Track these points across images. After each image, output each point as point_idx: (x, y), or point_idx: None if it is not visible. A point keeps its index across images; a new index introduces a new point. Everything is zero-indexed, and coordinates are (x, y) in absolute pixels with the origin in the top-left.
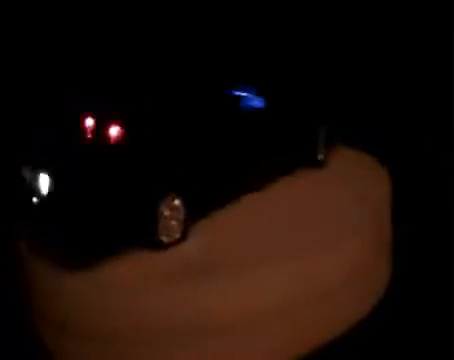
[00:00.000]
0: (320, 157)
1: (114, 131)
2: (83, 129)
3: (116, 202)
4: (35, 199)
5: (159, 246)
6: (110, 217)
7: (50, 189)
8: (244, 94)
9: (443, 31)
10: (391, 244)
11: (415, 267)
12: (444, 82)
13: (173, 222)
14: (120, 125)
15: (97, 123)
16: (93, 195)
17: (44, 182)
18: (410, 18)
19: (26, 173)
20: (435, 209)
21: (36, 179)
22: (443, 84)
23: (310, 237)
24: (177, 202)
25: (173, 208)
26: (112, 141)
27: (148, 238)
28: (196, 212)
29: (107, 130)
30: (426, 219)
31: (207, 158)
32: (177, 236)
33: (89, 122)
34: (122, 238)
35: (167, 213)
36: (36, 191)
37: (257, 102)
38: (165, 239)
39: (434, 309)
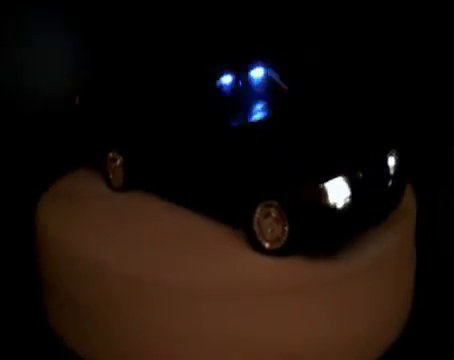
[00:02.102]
0: (266, 245)
1: None
2: None
3: None
4: None
5: None
6: None
7: None
8: None
9: (443, 31)
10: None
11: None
12: (444, 82)
13: None
14: None
15: None
16: None
17: None
18: (410, 18)
19: None
20: (435, 208)
21: None
22: (443, 84)
23: None
24: None
25: None
26: None
27: None
28: None
29: None
30: (426, 219)
31: None
32: None
33: None
34: None
35: None
36: None
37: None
38: None
39: (434, 310)
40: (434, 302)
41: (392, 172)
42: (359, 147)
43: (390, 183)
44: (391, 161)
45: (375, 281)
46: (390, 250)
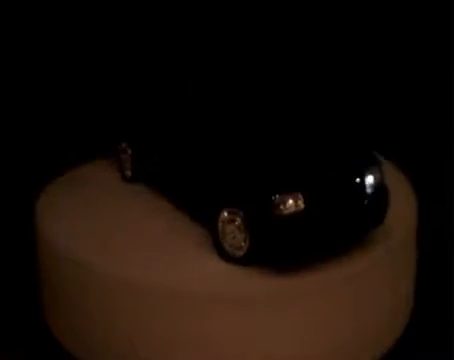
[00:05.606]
0: (229, 251)
1: None
2: None
3: None
4: None
5: None
6: None
7: None
8: None
9: (443, 31)
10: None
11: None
12: (444, 82)
13: None
14: None
15: None
16: None
17: None
18: (409, 17)
19: None
20: (435, 209)
21: None
22: (443, 84)
23: None
24: None
25: None
26: None
27: None
28: None
29: None
30: (426, 219)
31: None
32: None
33: None
34: None
35: None
36: None
37: None
38: None
39: (434, 311)
40: (434, 303)
41: (370, 190)
42: (331, 160)
43: (367, 201)
44: (369, 179)
45: (375, 282)
46: (390, 250)
